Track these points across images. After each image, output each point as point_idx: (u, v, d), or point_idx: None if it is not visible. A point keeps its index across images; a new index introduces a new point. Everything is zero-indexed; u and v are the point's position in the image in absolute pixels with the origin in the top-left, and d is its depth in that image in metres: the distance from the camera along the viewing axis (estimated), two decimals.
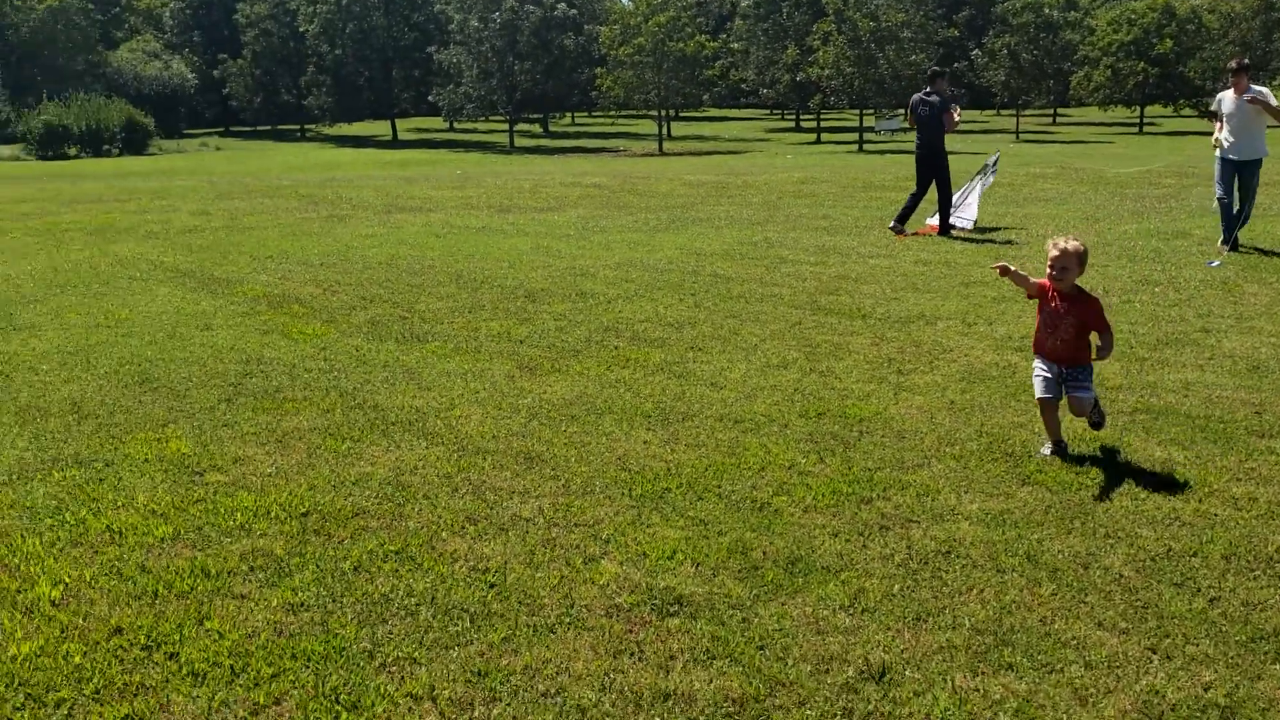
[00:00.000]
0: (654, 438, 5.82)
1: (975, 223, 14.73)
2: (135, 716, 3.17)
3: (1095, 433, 5.64)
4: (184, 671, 3.43)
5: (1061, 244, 5.26)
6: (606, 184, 23.89)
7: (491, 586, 4.04)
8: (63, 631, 3.70)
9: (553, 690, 3.31)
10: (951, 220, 14.60)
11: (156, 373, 7.25)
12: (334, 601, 3.93)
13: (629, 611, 3.84)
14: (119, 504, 4.90)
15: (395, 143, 51.87)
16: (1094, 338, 5.37)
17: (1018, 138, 55.63)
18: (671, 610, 3.85)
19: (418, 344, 8.11)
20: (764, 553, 4.33)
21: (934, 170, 14.43)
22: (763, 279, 10.90)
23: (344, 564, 4.25)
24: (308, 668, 3.45)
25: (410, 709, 3.22)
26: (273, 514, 4.76)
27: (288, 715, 3.19)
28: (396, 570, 4.19)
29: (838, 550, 4.35)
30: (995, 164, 16.26)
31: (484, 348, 7.98)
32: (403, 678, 3.40)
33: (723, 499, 4.92)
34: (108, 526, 4.63)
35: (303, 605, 3.90)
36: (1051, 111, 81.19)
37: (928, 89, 14.57)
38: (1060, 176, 23.98)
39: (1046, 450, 5.43)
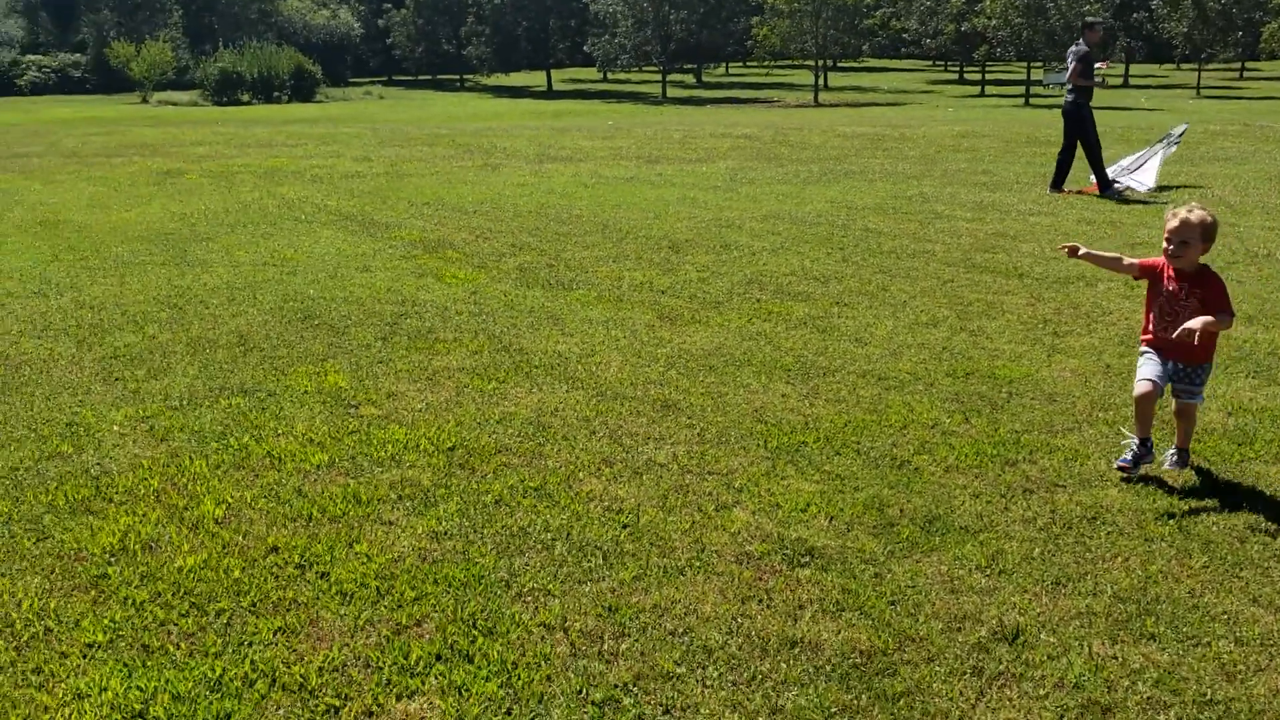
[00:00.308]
0: (793, 391, 5.79)
1: (1151, 190, 13.96)
2: (287, 629, 3.37)
3: (1170, 469, 4.64)
4: (333, 590, 3.62)
5: (1182, 213, 4.44)
6: (757, 135, 23.63)
7: (624, 527, 4.12)
8: (224, 548, 3.95)
9: (680, 629, 3.37)
10: (1126, 182, 13.92)
11: (318, 310, 7.58)
12: (475, 532, 4.07)
13: (759, 560, 3.86)
14: (279, 432, 5.17)
15: (550, 93, 52.43)
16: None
17: (1198, 93, 52.34)
18: (802, 561, 3.85)
19: (563, 291, 8.24)
20: (901, 510, 4.28)
21: (1072, 126, 13.80)
22: (915, 234, 10.63)
23: (485, 497, 4.39)
24: (448, 593, 3.59)
25: (543, 638, 3.32)
26: (421, 447, 4.95)
27: (428, 636, 3.33)
28: (534, 506, 4.31)
29: (977, 511, 4.25)
30: (1180, 135, 15.31)
31: (626, 297, 8.05)
32: (536, 608, 3.51)
33: (861, 455, 4.87)
34: (268, 452, 4.90)
35: (446, 534, 4.05)
36: (1239, 66, 75.96)
37: (1079, 40, 14.00)
38: (1243, 134, 22.50)
39: (1128, 457, 4.54)
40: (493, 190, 14.25)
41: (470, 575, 3.72)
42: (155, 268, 9.06)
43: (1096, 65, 14.07)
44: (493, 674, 3.11)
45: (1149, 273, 4.65)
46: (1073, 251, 4.72)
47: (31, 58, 66.85)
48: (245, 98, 56.07)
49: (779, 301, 7.85)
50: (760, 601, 3.55)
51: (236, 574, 3.73)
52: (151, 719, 2.89)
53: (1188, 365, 4.56)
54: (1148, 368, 4.55)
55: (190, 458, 4.83)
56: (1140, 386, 4.51)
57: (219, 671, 3.11)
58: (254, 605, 3.52)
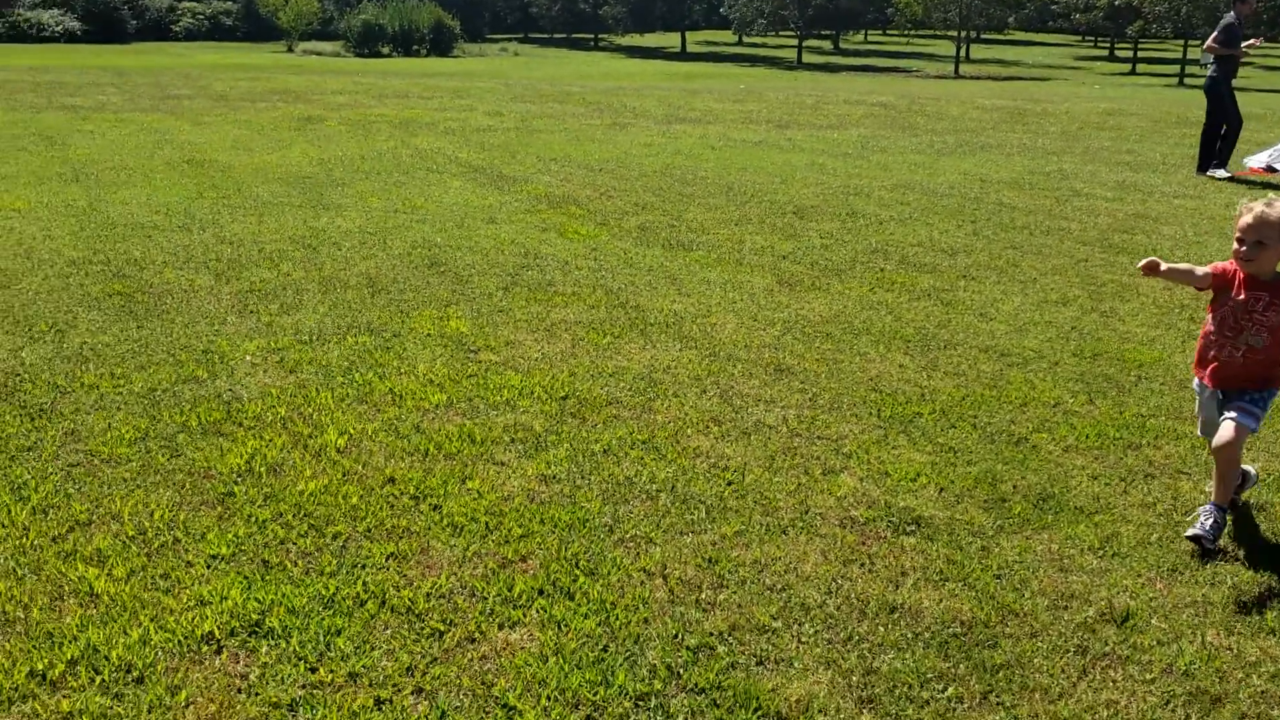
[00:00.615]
0: (911, 363, 5.69)
1: None
2: (399, 555, 3.50)
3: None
4: (445, 522, 3.73)
5: (1258, 208, 3.68)
6: (893, 104, 23.11)
7: (729, 484, 4.13)
8: (344, 475, 4.10)
9: (779, 586, 3.37)
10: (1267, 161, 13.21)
11: (444, 258, 7.76)
12: (582, 478, 4.14)
13: (864, 525, 3.83)
14: (401, 371, 5.33)
15: (683, 54, 52.14)
16: None
17: None
18: (908, 529, 3.80)
19: (683, 251, 8.25)
20: (1014, 486, 4.18)
21: (1213, 103, 13.09)
22: (1051, 211, 10.29)
23: (594, 446, 4.46)
24: (553, 533, 3.67)
25: (642, 582, 3.37)
26: (535, 394, 5.04)
27: (531, 572, 3.42)
28: (641, 458, 4.35)
29: (1094, 493, 4.13)
30: None
31: (746, 260, 8.01)
32: (638, 553, 3.56)
33: (977, 429, 4.77)
34: (390, 389, 5.06)
35: (554, 478, 4.14)
36: None
37: (1230, 11, 13.23)
38: None
39: (1206, 521, 3.70)
40: (619, 149, 14.29)
41: (575, 518, 3.79)
42: (292, 209, 9.38)
43: (1247, 42, 13.25)
44: (591, 612, 3.18)
45: (1217, 281, 3.85)
46: (1151, 269, 3.85)
47: (186, 4, 69.43)
48: (385, 50, 57.27)
49: (903, 272, 7.71)
50: (862, 566, 3.53)
51: (354, 500, 3.88)
52: (268, 629, 3.04)
53: (1247, 389, 3.80)
54: (1205, 420, 3.94)
55: (316, 389, 5.02)
56: (1209, 441, 3.85)
57: (332, 590, 3.25)
58: (369, 531, 3.66)
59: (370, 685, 2.80)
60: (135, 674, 2.81)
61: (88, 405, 4.70)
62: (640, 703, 2.76)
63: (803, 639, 3.08)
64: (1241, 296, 3.78)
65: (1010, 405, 5.08)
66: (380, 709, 2.70)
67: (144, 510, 3.74)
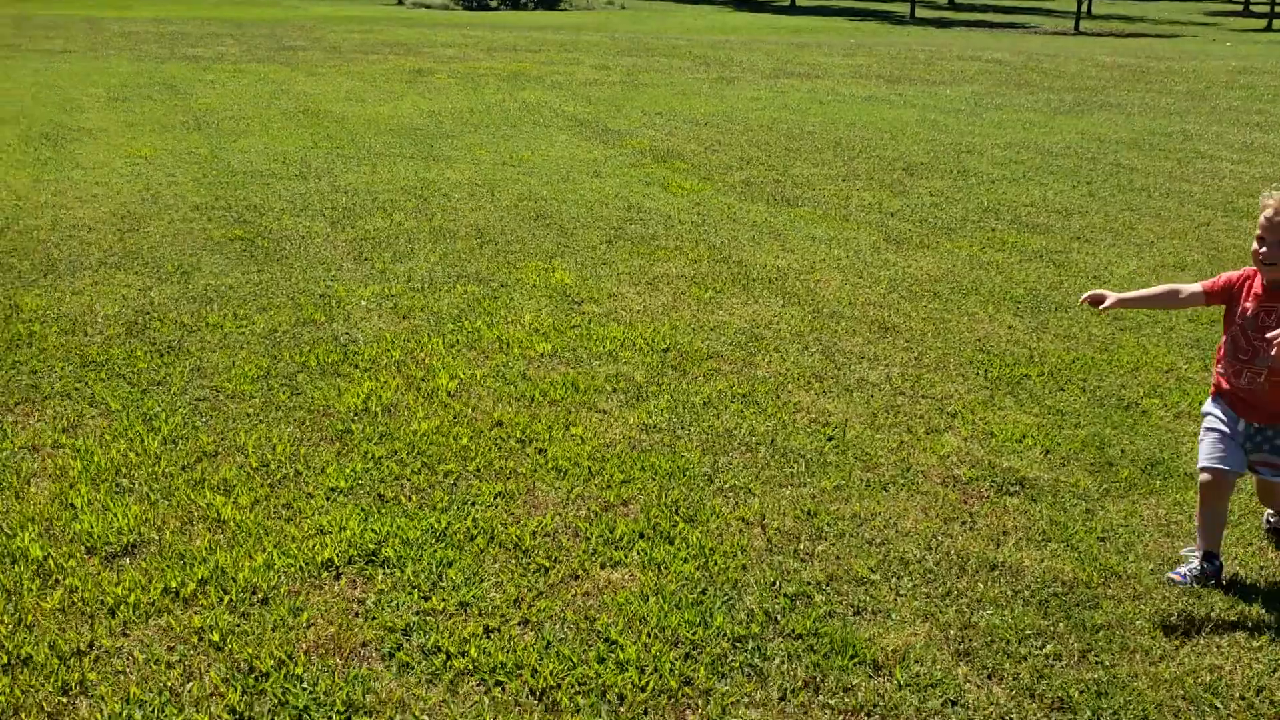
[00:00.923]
0: (1020, 324, 5.60)
1: None
2: (506, 494, 3.61)
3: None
4: (549, 465, 3.84)
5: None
6: (1009, 60, 22.42)
7: (829, 440, 4.15)
8: (454, 418, 4.24)
9: (878, 540, 3.40)
10: None
11: (549, 210, 7.85)
12: (682, 428, 4.20)
13: (966, 484, 3.82)
14: (508, 319, 5.45)
15: (792, 9, 51.21)
16: None
17: None
18: (1012, 489, 3.78)
19: (787, 207, 8.20)
20: (1122, 450, 4.11)
21: None
22: (1171, 173, 9.93)
23: (695, 398, 4.51)
24: (654, 480, 3.75)
25: (740, 530, 3.43)
26: (637, 345, 5.11)
27: (632, 515, 3.50)
28: (741, 411, 4.39)
29: None
30: None
31: (853, 216, 7.93)
32: (737, 503, 3.61)
33: (1086, 393, 4.69)
34: (497, 337, 5.18)
35: (655, 427, 4.21)
36: None
37: None
38: None
39: (1188, 570, 3.18)
40: (725, 104, 14.19)
41: (675, 466, 3.86)
42: (404, 160, 9.58)
43: None
44: (691, 556, 3.25)
45: (1224, 294, 3.22)
46: (1095, 301, 3.28)
47: None
48: (494, 4, 57.50)
49: (1015, 232, 7.55)
50: (963, 524, 3.53)
51: (464, 441, 4.01)
52: (383, 558, 3.18)
53: (1267, 426, 3.16)
54: (1210, 443, 3.19)
55: (428, 335, 5.17)
56: (1202, 475, 3.19)
57: (444, 524, 3.38)
58: (478, 470, 3.79)
59: (479, 615, 2.92)
60: (260, 595, 2.98)
61: (213, 344, 4.93)
62: (738, 644, 2.83)
63: (901, 592, 3.11)
64: (1250, 306, 3.12)
65: (1121, 370, 4.97)
66: (489, 637, 2.82)
67: (267, 444, 3.93)
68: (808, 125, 12.33)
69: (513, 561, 3.20)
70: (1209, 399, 3.29)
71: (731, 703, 2.61)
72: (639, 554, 3.25)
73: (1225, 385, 3.21)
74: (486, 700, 2.59)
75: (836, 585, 3.13)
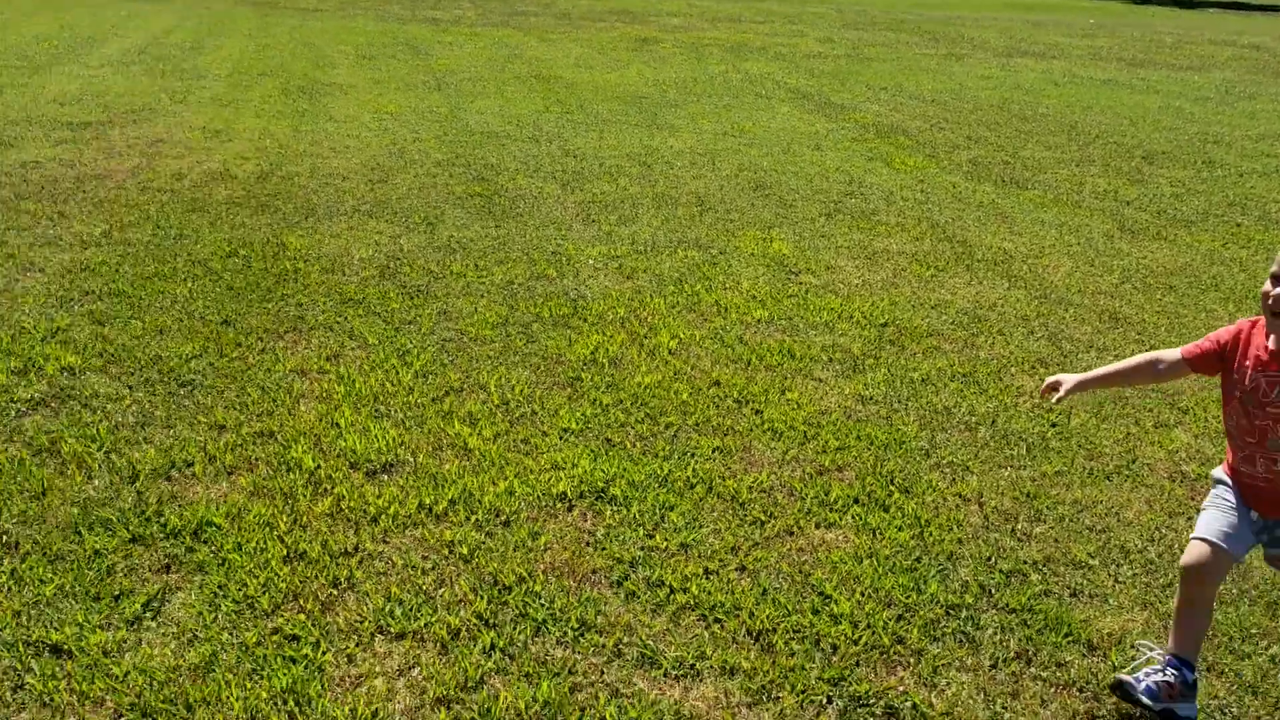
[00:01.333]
0: None
1: None
2: (724, 450, 3.77)
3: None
4: (765, 426, 3.97)
5: None
6: (1268, 46, 20.83)
7: (1053, 425, 4.10)
8: (675, 374, 4.42)
9: (1099, 527, 3.36)
10: None
11: (769, 181, 7.94)
12: (899, 402, 4.24)
13: (1194, 481, 3.71)
14: (726, 285, 5.59)
15: None
16: None
17: None
18: None
19: (1016, 189, 7.99)
20: None
21: None
22: None
23: (913, 374, 4.53)
24: (869, 449, 3.82)
25: (957, 505, 3.46)
26: (854, 318, 5.16)
27: (848, 481, 3.59)
28: (961, 390, 4.39)
29: None
30: None
31: (1085, 203, 7.66)
32: (954, 479, 3.64)
33: None
34: (716, 301, 5.33)
35: (871, 399, 4.26)
36: None
37: None
38: None
39: (1154, 680, 2.47)
40: (954, 80, 13.84)
41: (891, 438, 3.91)
42: (629, 127, 9.85)
43: None
44: (905, 525, 3.31)
45: (1213, 361, 2.54)
46: (1050, 390, 2.72)
47: None
48: None
49: (1262, 229, 7.13)
50: (1189, 519, 3.44)
51: (684, 397, 4.18)
52: (611, 496, 3.39)
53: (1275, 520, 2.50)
54: (1210, 517, 2.53)
55: (650, 295, 5.37)
56: (1192, 549, 2.49)
57: (666, 471, 3.57)
58: (697, 425, 3.95)
59: (699, 557, 3.09)
60: (503, 518, 3.25)
61: (456, 290, 5.28)
62: (951, 612, 2.89)
63: (1120, 579, 3.08)
64: (1254, 380, 2.41)
65: None
66: (708, 578, 2.98)
67: (506, 384, 4.22)
68: (1041, 107, 11.90)
69: (730, 512, 3.35)
70: (1223, 466, 2.65)
71: (943, 664, 2.68)
72: (853, 518, 3.34)
73: (1232, 469, 2.56)
74: (706, 634, 2.75)
75: (1053, 566, 3.13)
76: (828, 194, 7.62)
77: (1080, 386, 2.67)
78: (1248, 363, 2.42)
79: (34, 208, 6.33)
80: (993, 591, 2.99)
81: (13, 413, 3.77)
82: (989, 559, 3.16)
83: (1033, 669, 2.68)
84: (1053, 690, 2.62)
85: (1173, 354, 2.60)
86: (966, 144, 9.65)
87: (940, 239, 6.60)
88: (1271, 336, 2.38)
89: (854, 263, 6.07)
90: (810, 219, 6.95)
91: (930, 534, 3.27)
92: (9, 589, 2.80)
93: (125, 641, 2.62)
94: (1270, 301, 2.33)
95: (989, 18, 26.28)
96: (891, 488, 3.55)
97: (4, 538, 3.02)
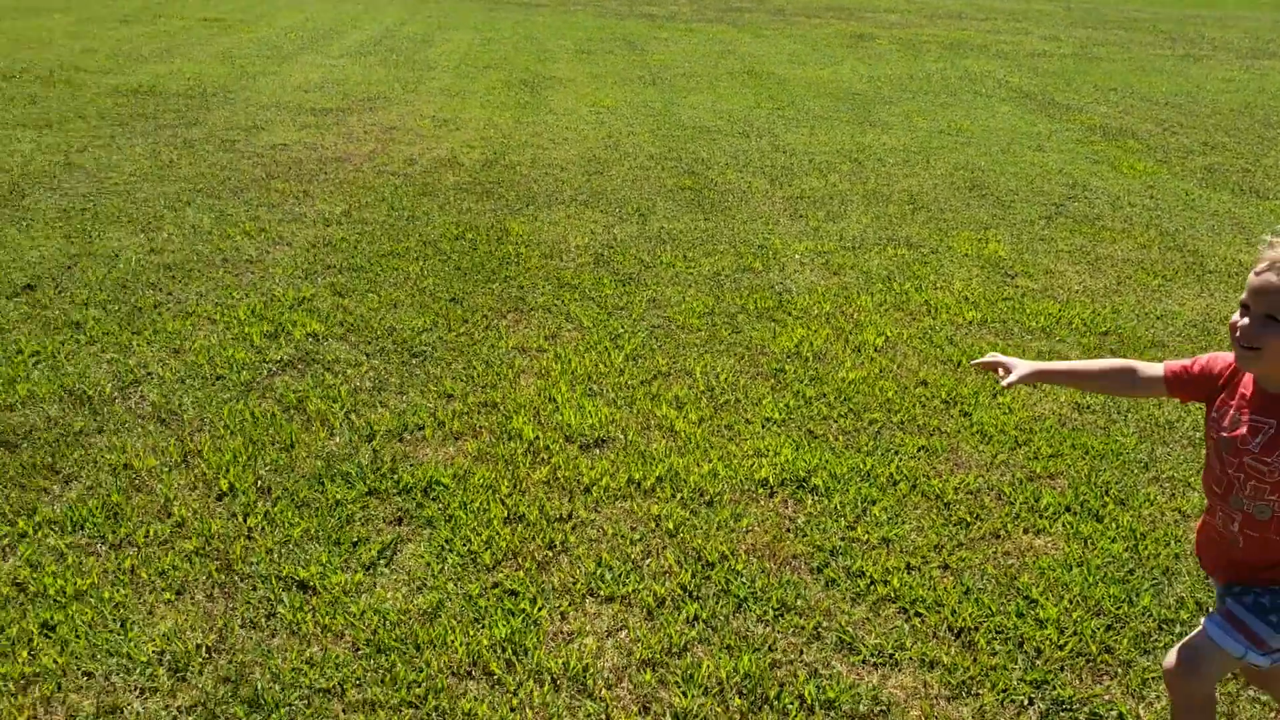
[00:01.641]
0: None
1: None
2: (929, 449, 3.75)
3: None
4: (974, 429, 3.92)
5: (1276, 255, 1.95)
6: None
7: None
8: (880, 371, 4.41)
9: None
10: None
11: (986, 181, 7.74)
12: (1118, 413, 4.10)
13: None
14: (937, 285, 5.51)
15: None
16: None
17: None
18: None
19: (1256, 199, 7.51)
20: None
21: None
22: None
23: None
24: (1084, 459, 3.71)
25: (1175, 521, 3.34)
26: (1074, 325, 5.00)
27: (1059, 489, 3.51)
28: (1186, 405, 4.19)
29: None
30: None
31: None
32: (1174, 494, 3.50)
33: None
34: (925, 301, 5.27)
35: (1088, 407, 4.14)
36: None
37: None
38: None
39: None
40: (1190, 82, 13.07)
41: (1108, 449, 3.79)
42: (841, 124, 9.79)
43: None
44: (1120, 537, 3.22)
45: (1196, 386, 2.19)
46: (989, 366, 2.41)
47: None
48: None
49: None
50: None
51: (890, 394, 4.17)
52: (812, 485, 3.44)
53: (1235, 583, 2.16)
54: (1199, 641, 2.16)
55: (857, 292, 5.36)
56: (1170, 655, 2.19)
57: (868, 466, 3.58)
58: (902, 423, 3.95)
59: (901, 552, 3.10)
60: (707, 498, 3.35)
61: (665, 279, 5.43)
62: (1164, 626, 2.80)
63: None
64: (1232, 426, 2.06)
65: None
66: (909, 573, 3.00)
67: (711, 372, 4.32)
68: None
69: (934, 511, 3.34)
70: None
71: (1153, 677, 2.61)
72: (1064, 526, 3.27)
73: (1208, 534, 2.22)
74: (905, 626, 2.77)
75: None
76: (1049, 196, 7.38)
77: (1037, 377, 2.34)
78: (1232, 401, 2.08)
79: (282, 186, 6.88)
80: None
81: (265, 371, 4.14)
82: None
83: (1250, 691, 2.58)
84: (1273, 715, 2.51)
85: (1153, 369, 2.24)
86: (1202, 150, 9.12)
87: (1169, 247, 6.30)
88: (1238, 374, 2.07)
89: (1075, 268, 5.87)
90: (1029, 221, 6.75)
91: (1145, 547, 3.17)
92: (264, 529, 3.11)
93: (362, 584, 2.87)
94: (1238, 334, 1.97)
95: (1233, 16, 24.60)
96: (1106, 498, 3.45)
97: (259, 483, 3.35)
